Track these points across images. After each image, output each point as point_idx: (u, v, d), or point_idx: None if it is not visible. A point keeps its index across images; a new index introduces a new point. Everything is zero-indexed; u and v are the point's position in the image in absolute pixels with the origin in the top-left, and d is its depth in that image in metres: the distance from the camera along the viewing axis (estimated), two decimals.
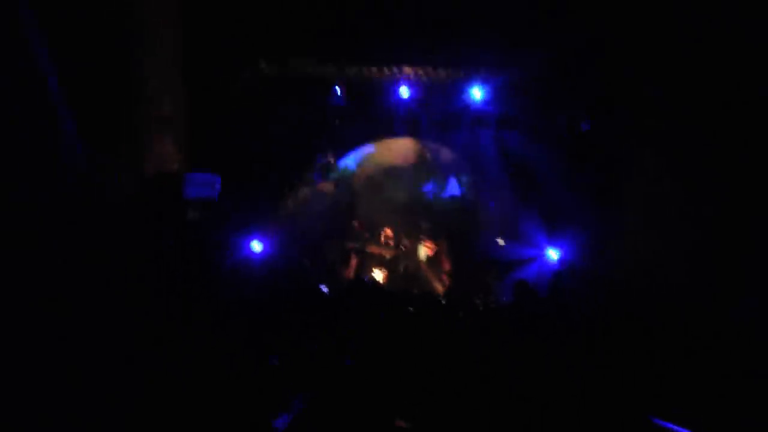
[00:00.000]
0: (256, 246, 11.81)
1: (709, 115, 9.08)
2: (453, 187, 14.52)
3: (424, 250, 13.97)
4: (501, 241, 13.74)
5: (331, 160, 14.05)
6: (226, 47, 10.80)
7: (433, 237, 14.03)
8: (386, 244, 13.87)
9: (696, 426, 4.04)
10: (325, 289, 10.13)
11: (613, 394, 4.65)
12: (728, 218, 8.74)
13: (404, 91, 12.72)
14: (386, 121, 13.51)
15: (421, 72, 12.55)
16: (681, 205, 9.84)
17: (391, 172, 14.58)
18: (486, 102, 12.84)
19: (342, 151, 14.07)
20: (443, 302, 11.74)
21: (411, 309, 9.20)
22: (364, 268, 13.63)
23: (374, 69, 12.45)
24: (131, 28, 8.57)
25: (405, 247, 13.94)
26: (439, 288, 13.56)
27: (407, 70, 12.47)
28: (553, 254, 12.52)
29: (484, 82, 12.52)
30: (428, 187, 14.55)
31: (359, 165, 14.58)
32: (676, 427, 4.06)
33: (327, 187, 14.28)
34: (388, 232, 13.96)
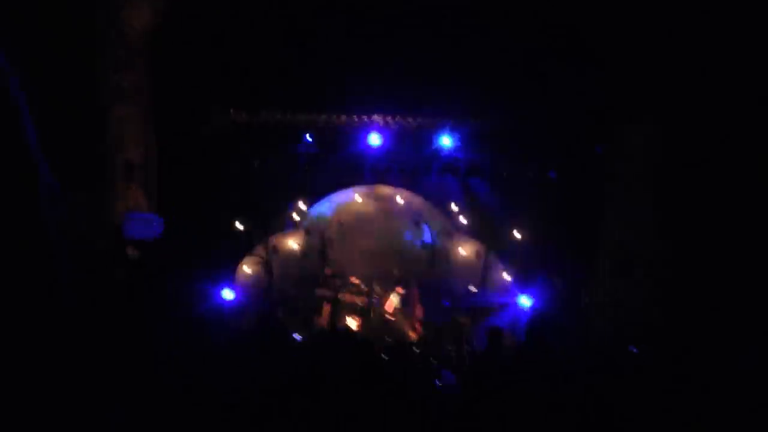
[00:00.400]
0: (228, 294, 11.62)
1: (677, 162, 9.24)
2: (425, 234, 14.53)
3: (396, 298, 13.88)
4: (473, 288, 13.72)
5: (302, 206, 13.99)
6: (196, 95, 10.77)
7: (405, 284, 13.96)
8: (359, 291, 13.76)
9: None
10: (298, 338, 9.98)
11: None
12: (702, 264, 8.82)
13: (374, 139, 12.76)
14: (356, 168, 13.54)
15: (390, 120, 12.62)
16: (653, 251, 9.93)
17: (362, 219, 14.56)
18: (455, 150, 12.92)
19: (313, 199, 14.04)
20: (416, 350, 11.64)
21: (384, 357, 9.09)
22: (337, 316, 13.48)
23: (344, 117, 12.50)
24: (101, 75, 8.52)
25: (377, 295, 13.83)
26: (412, 335, 13.44)
27: (377, 117, 12.53)
28: (525, 301, 12.52)
29: (453, 130, 12.62)
30: (405, 235, 14.54)
31: (331, 212, 14.55)
32: None
33: (297, 234, 14.22)
34: (360, 280, 13.87)
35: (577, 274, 11.68)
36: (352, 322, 13.44)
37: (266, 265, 13.41)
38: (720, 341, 7.41)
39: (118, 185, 9.15)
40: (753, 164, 8.22)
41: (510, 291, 13.22)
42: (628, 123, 10.37)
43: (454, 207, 14.05)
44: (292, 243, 14.14)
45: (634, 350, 8.09)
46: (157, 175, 10.03)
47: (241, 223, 12.60)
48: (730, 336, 7.51)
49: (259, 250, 13.49)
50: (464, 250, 14.40)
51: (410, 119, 12.62)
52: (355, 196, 14.53)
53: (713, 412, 4.84)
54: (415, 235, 14.55)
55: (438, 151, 12.96)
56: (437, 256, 14.48)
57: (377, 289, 13.89)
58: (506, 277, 13.57)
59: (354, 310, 13.63)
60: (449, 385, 7.63)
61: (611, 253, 10.88)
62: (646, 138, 10.19)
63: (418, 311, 13.70)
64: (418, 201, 14.41)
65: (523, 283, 12.92)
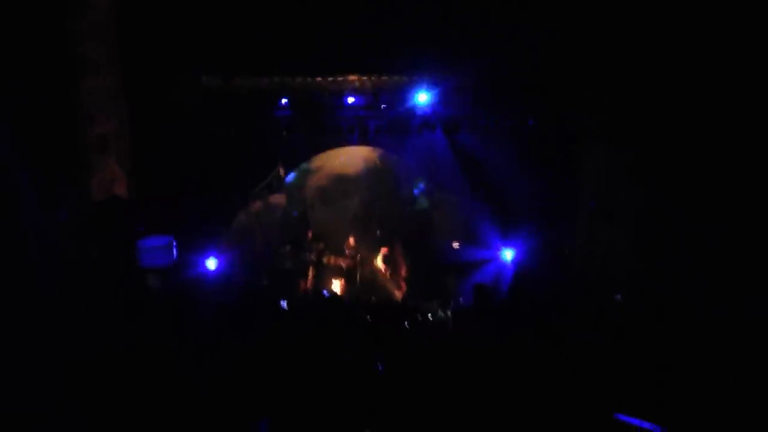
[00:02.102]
0: (211, 263, 11.62)
1: (659, 109, 9.24)
2: (407, 192, 14.52)
3: (380, 258, 13.94)
4: (456, 245, 13.78)
5: (282, 171, 13.91)
6: (167, 63, 10.60)
7: (388, 243, 14.00)
8: (342, 253, 13.78)
9: (659, 419, 4.07)
10: (284, 303, 10.01)
11: (576, 392, 4.66)
12: (680, 211, 8.89)
13: (351, 99, 12.66)
14: (335, 130, 13.44)
15: (366, 79, 12.51)
16: (632, 200, 9.99)
17: (342, 181, 14.53)
18: (433, 106, 12.86)
19: (292, 163, 13.95)
20: (401, 309, 11.73)
21: (369, 318, 9.16)
22: (322, 279, 13.52)
23: (319, 79, 12.37)
24: (68, 48, 8.35)
25: (361, 256, 13.87)
26: (397, 294, 13.52)
27: (353, 78, 12.41)
28: (508, 255, 12.60)
29: (430, 86, 12.54)
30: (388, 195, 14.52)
31: (310, 175, 14.49)
32: (640, 422, 4.08)
33: (279, 199, 14.15)
34: (344, 241, 13.89)
35: (559, 225, 11.75)
36: (337, 285, 13.50)
37: (248, 232, 13.38)
38: (699, 287, 7.51)
39: (93, 159, 9.03)
40: (730, 108, 8.24)
41: (493, 245, 13.29)
42: (604, 72, 10.34)
43: (432, 164, 14.01)
44: (274, 208, 14.09)
45: (618, 297, 8.20)
46: (132, 146, 9.91)
47: (221, 191, 12.51)
48: (709, 281, 7.61)
49: (241, 216, 13.43)
50: (445, 206, 14.42)
51: (385, 77, 12.51)
52: (335, 158, 14.46)
53: (693, 356, 4.93)
54: (396, 193, 14.54)
55: (415, 108, 12.89)
56: (419, 214, 14.51)
57: (361, 250, 13.92)
58: (489, 231, 13.62)
59: (338, 273, 13.68)
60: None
61: (592, 202, 10.95)
62: (622, 86, 10.18)
63: (402, 270, 13.77)
64: (398, 160, 14.35)
65: (505, 237, 12.98)
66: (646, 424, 4.08)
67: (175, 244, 9.34)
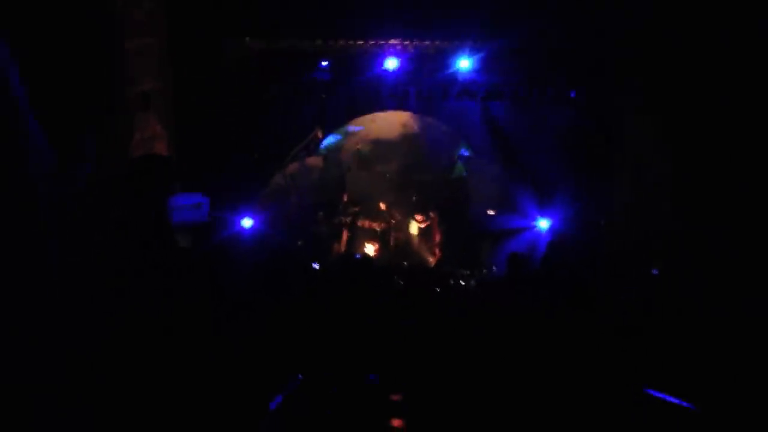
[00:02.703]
0: (246, 223, 11.76)
1: (699, 79, 9.05)
2: (444, 159, 14.46)
3: (415, 223, 13.97)
4: (491, 212, 13.74)
5: (319, 134, 13.94)
6: (210, 23, 10.66)
7: (423, 209, 14.01)
8: (376, 217, 13.83)
9: (692, 397, 4.05)
10: (316, 266, 10.10)
11: (608, 366, 4.66)
12: (719, 185, 8.74)
13: (391, 63, 12.60)
14: (374, 94, 13.42)
15: (407, 43, 12.44)
16: (671, 171, 9.85)
17: (380, 145, 14.52)
18: (474, 72, 12.76)
19: (330, 125, 13.97)
20: (434, 275, 11.77)
21: (400, 282, 9.22)
22: (355, 242, 13.61)
23: (360, 42, 12.33)
24: (113, 7, 8.42)
25: (396, 221, 13.91)
26: (431, 260, 13.57)
27: (394, 41, 12.35)
28: (544, 224, 12.53)
29: (472, 51, 12.42)
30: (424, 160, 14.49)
31: (348, 138, 14.50)
32: (671, 398, 4.06)
33: (315, 161, 14.21)
34: (379, 205, 13.93)
35: (596, 195, 11.64)
36: (370, 248, 13.57)
37: (284, 193, 13.48)
38: (737, 259, 7.41)
39: (135, 117, 9.17)
40: None
41: (529, 214, 13.23)
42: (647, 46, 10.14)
43: (471, 131, 13.93)
44: (310, 171, 14.16)
45: (656, 272, 8.12)
46: (174, 105, 10.03)
47: (258, 151, 12.61)
48: (753, 258, 7.49)
49: (277, 178, 13.53)
50: (482, 174, 14.36)
51: (427, 42, 12.43)
52: (373, 122, 14.44)
53: (731, 336, 4.88)
54: (432, 159, 14.50)
55: (456, 74, 12.80)
56: (456, 181, 14.47)
57: (396, 215, 13.96)
58: (525, 200, 13.56)
59: (372, 237, 13.75)
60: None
61: (629, 174, 10.82)
62: (669, 56, 9.98)
63: (437, 236, 13.80)
64: (436, 126, 14.29)
65: (542, 206, 12.91)
66: (677, 401, 4.07)
67: (206, 202, 9.44)
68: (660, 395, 4.13)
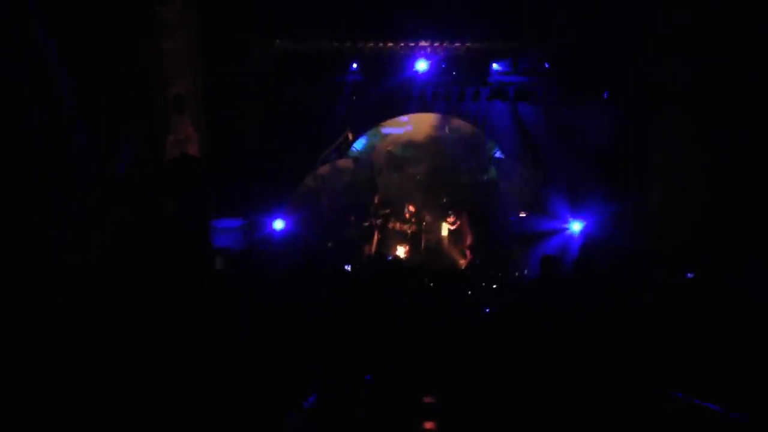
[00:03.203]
0: (279, 224, 11.81)
1: (734, 86, 8.92)
2: (475, 161, 14.41)
3: (445, 225, 13.93)
4: (523, 215, 13.65)
5: (350, 136, 13.96)
6: (242, 26, 10.73)
7: (454, 211, 13.98)
8: (408, 219, 13.82)
9: (722, 402, 3.99)
10: (348, 267, 10.12)
11: (639, 370, 4.60)
12: (753, 189, 8.60)
13: (421, 65, 12.58)
14: (404, 96, 13.40)
15: (437, 45, 12.42)
16: (704, 176, 9.71)
17: (410, 147, 14.52)
18: (504, 74, 12.69)
19: (360, 127, 13.98)
20: (465, 277, 11.72)
21: (431, 284, 9.19)
22: (386, 244, 13.61)
23: (390, 43, 12.33)
24: (144, 9, 8.52)
25: (426, 223, 13.89)
26: (462, 262, 13.52)
27: (424, 43, 12.34)
28: (576, 227, 12.41)
29: (502, 54, 12.36)
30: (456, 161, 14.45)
31: (378, 140, 14.52)
32: (701, 403, 4.00)
33: (346, 163, 14.24)
34: (410, 207, 13.92)
35: (628, 200, 11.50)
36: (401, 250, 13.57)
37: (315, 195, 13.52)
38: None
39: (170, 119, 9.25)
40: None
41: (561, 217, 13.11)
42: (680, 51, 10.01)
43: (502, 133, 13.84)
44: (341, 172, 14.20)
45: (690, 276, 8.00)
46: (206, 107, 10.11)
47: (289, 153, 12.66)
48: None
49: (309, 180, 13.58)
50: (513, 176, 14.28)
51: (458, 44, 12.39)
52: (403, 124, 14.44)
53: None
54: (464, 161, 14.45)
55: (486, 76, 12.74)
56: (487, 183, 14.41)
57: (426, 216, 13.94)
58: (557, 202, 13.45)
59: (403, 239, 13.74)
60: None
61: (662, 178, 10.68)
62: (696, 67, 9.86)
63: (468, 238, 13.74)
64: (467, 128, 14.24)
65: (574, 208, 12.79)
66: (708, 405, 4.01)
67: (247, 225, 9.39)
68: (691, 400, 4.07)
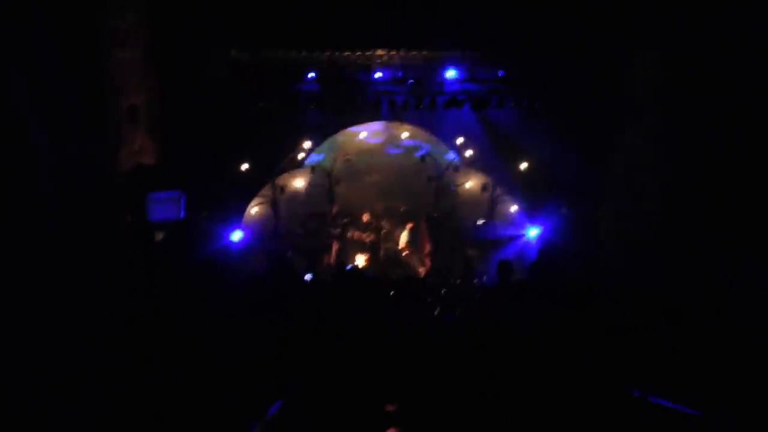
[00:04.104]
0: (236, 235, 11.71)
1: (694, 83, 9.08)
2: (432, 169, 14.47)
3: (404, 234, 13.97)
4: (481, 221, 13.76)
5: (307, 146, 13.92)
6: (197, 36, 10.63)
7: (413, 219, 14.02)
8: (366, 228, 13.82)
9: (681, 399, 4.05)
10: (308, 277, 10.07)
11: (598, 370, 4.66)
12: (712, 197, 8.75)
13: (378, 74, 12.63)
14: (361, 105, 13.40)
15: (394, 54, 12.45)
16: (662, 183, 9.87)
17: (368, 156, 14.54)
18: (460, 81, 12.79)
19: (318, 136, 13.94)
20: (424, 285, 11.75)
21: (392, 293, 9.19)
22: (346, 253, 13.58)
23: (347, 53, 12.34)
24: (98, 19, 8.40)
25: (385, 231, 13.90)
26: (421, 270, 13.56)
27: (380, 52, 12.37)
28: (533, 232, 12.56)
29: (458, 62, 12.45)
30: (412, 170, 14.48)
31: (336, 150, 14.50)
32: (673, 405, 4.05)
33: (304, 173, 14.19)
34: (365, 216, 13.92)
35: (586, 204, 11.66)
36: (360, 259, 13.55)
37: (273, 205, 13.45)
38: (733, 272, 7.42)
39: (124, 129, 9.12)
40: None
41: (518, 223, 13.25)
42: (638, 48, 10.19)
43: (459, 140, 13.94)
44: (299, 182, 14.15)
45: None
46: (162, 118, 9.99)
47: (246, 163, 12.58)
48: (744, 268, 7.51)
49: (266, 190, 13.50)
50: (471, 183, 14.40)
51: (414, 52, 12.45)
52: (361, 133, 14.46)
53: (727, 342, 4.89)
54: (421, 169, 14.50)
55: (443, 84, 12.83)
56: (444, 190, 14.48)
57: (385, 225, 13.96)
58: (514, 209, 13.59)
59: (362, 247, 13.74)
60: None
61: (621, 182, 10.85)
62: (655, 63, 10.04)
63: (426, 246, 13.79)
64: (424, 135, 14.31)
65: (531, 214, 12.94)
66: (680, 407, 4.06)
67: (183, 197, 9.38)
68: (663, 402, 4.12)
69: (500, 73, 12.67)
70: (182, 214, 9.28)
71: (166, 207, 9.04)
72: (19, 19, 4.87)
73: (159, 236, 8.62)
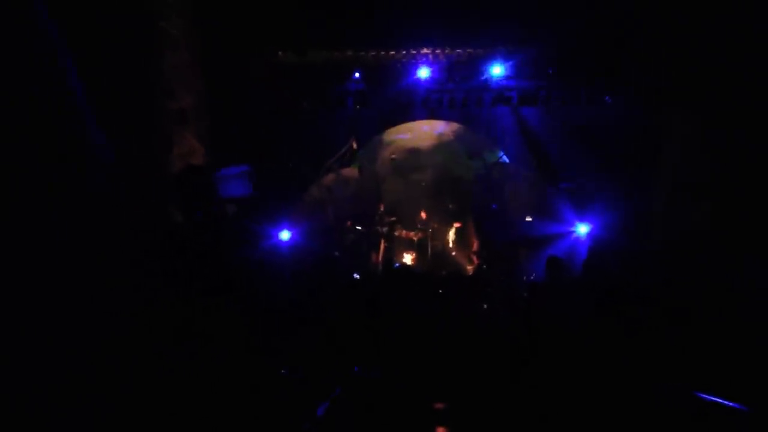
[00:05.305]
0: (285, 235, 11.81)
1: (742, 86, 8.87)
2: (480, 166, 14.39)
3: (452, 231, 13.92)
4: (529, 218, 13.63)
5: (354, 145, 13.99)
6: (243, 40, 10.77)
7: (460, 217, 13.97)
8: (414, 226, 13.81)
9: (742, 399, 3.97)
10: (357, 276, 10.10)
11: (653, 370, 4.59)
12: (757, 188, 8.54)
13: (423, 72, 12.63)
14: (407, 104, 13.44)
15: (439, 52, 12.45)
16: (713, 177, 9.65)
17: (414, 155, 14.53)
18: (507, 79, 12.73)
19: (364, 136, 14.00)
20: (472, 283, 11.70)
21: (440, 290, 9.18)
22: (393, 252, 13.59)
23: (392, 51, 12.37)
24: (148, 23, 8.57)
25: (432, 229, 13.88)
26: (469, 268, 13.49)
27: (426, 50, 12.37)
28: (582, 229, 12.38)
29: (504, 58, 12.38)
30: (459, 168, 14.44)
31: (383, 148, 14.53)
32: (722, 401, 3.98)
33: (351, 172, 14.25)
34: (422, 214, 13.91)
35: (636, 202, 11.47)
36: (408, 258, 13.55)
37: (320, 205, 13.53)
38: None
39: (173, 132, 9.29)
40: None
41: (567, 220, 13.09)
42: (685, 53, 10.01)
43: (506, 138, 13.85)
44: (346, 181, 14.21)
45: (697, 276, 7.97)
46: (209, 120, 10.14)
47: (294, 164, 12.69)
48: None
49: (313, 189, 13.59)
50: (519, 180, 14.28)
51: (459, 50, 12.42)
52: (408, 131, 14.46)
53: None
54: (469, 167, 14.44)
55: (489, 81, 12.77)
56: (491, 188, 14.38)
57: (432, 223, 13.93)
58: (563, 205, 13.43)
59: (409, 246, 13.73)
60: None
61: (670, 179, 10.64)
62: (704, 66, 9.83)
63: (474, 244, 13.73)
64: (471, 133, 14.26)
65: (580, 212, 12.77)
66: (729, 403, 3.98)
67: (252, 172, 9.52)
68: (712, 399, 4.05)
69: (549, 69, 12.58)
70: (250, 191, 9.42)
71: (235, 184, 9.20)
72: (80, 19, 5.01)
73: (231, 210, 8.75)
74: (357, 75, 12.77)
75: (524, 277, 12.11)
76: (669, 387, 4.36)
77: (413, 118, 14.03)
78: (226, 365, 3.43)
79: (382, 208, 13.93)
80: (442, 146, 14.48)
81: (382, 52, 12.35)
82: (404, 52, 12.37)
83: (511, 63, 12.48)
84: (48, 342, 3.16)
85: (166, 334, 3.35)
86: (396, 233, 13.73)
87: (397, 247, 13.72)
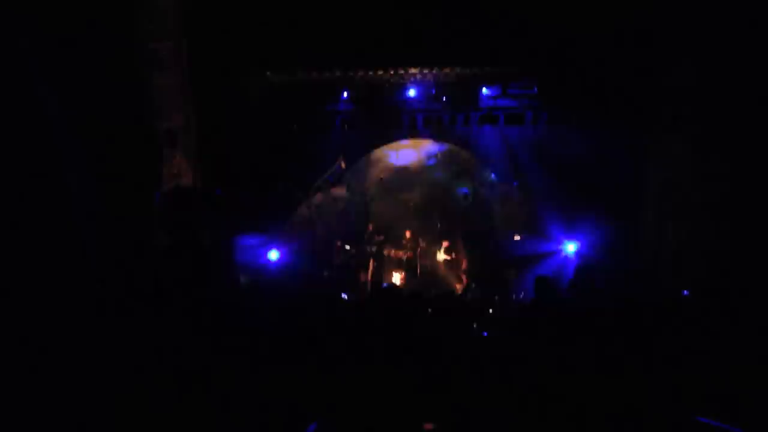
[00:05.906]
0: (273, 255, 11.80)
1: (734, 105, 8.95)
2: (469, 185, 14.44)
3: (440, 251, 13.93)
4: (517, 237, 13.67)
5: (342, 164, 14.00)
6: (232, 60, 10.79)
7: (449, 236, 13.99)
8: (403, 245, 13.82)
9: (740, 423, 3.95)
10: (345, 296, 10.08)
11: (644, 393, 4.57)
12: (754, 211, 8.59)
13: (412, 92, 12.69)
14: (395, 123, 13.49)
15: (427, 72, 12.50)
16: (703, 197, 9.71)
17: (403, 174, 14.56)
18: (494, 99, 12.80)
19: (353, 155, 14.03)
20: (461, 302, 11.68)
21: (430, 310, 9.15)
22: (382, 271, 13.58)
23: (381, 72, 12.42)
24: (136, 43, 8.57)
25: (421, 248, 13.89)
26: (458, 287, 13.50)
27: (413, 70, 12.42)
28: (570, 248, 12.42)
29: (493, 79, 12.46)
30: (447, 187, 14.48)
31: (371, 168, 14.56)
32: (723, 425, 3.96)
33: (339, 191, 14.26)
34: (407, 233, 13.92)
35: (623, 219, 11.52)
36: (397, 277, 13.55)
37: (309, 224, 13.53)
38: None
39: (162, 152, 9.26)
40: None
41: (556, 238, 13.13)
42: (672, 64, 10.09)
43: (494, 157, 13.90)
44: (335, 201, 14.22)
45: (686, 293, 7.99)
46: (198, 140, 10.13)
47: (282, 183, 12.69)
48: None
49: (302, 209, 13.59)
50: (507, 198, 14.33)
51: (447, 70, 12.48)
52: (395, 151, 14.50)
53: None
54: (457, 186, 14.49)
55: (478, 100, 12.83)
56: (480, 207, 14.42)
57: (421, 242, 13.94)
58: (552, 224, 13.46)
59: (398, 265, 13.73)
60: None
61: (657, 197, 10.70)
62: (690, 78, 9.91)
63: (463, 263, 13.74)
64: (459, 153, 14.31)
65: (569, 229, 12.81)
66: (729, 428, 3.96)
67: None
68: (712, 423, 4.02)
69: (535, 89, 12.66)
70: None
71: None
72: (65, 40, 5.00)
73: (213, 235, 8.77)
74: (345, 95, 12.82)
75: (513, 296, 12.13)
76: (667, 410, 4.35)
77: (402, 137, 14.08)
78: (210, 391, 3.42)
79: (371, 228, 13.94)
80: (430, 166, 14.52)
81: (371, 72, 12.39)
82: (393, 71, 12.41)
83: (498, 83, 12.56)
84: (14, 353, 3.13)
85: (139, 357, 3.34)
86: (385, 252, 13.73)
87: (386, 266, 13.72)
